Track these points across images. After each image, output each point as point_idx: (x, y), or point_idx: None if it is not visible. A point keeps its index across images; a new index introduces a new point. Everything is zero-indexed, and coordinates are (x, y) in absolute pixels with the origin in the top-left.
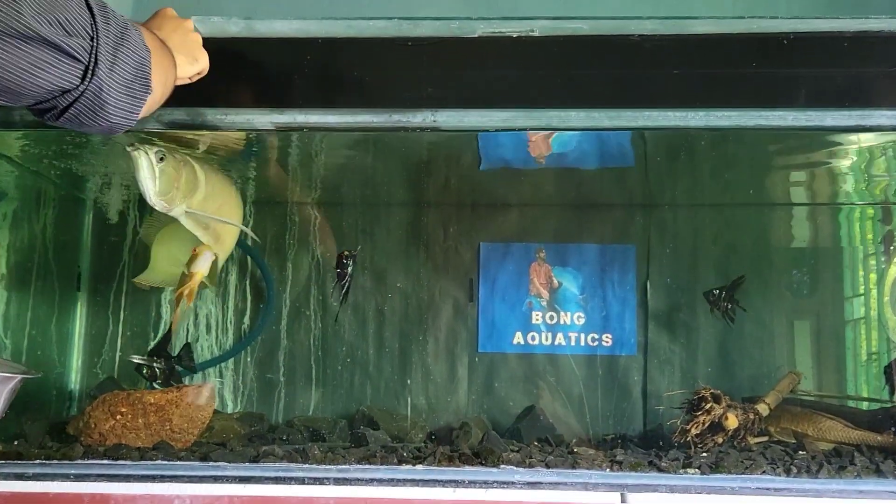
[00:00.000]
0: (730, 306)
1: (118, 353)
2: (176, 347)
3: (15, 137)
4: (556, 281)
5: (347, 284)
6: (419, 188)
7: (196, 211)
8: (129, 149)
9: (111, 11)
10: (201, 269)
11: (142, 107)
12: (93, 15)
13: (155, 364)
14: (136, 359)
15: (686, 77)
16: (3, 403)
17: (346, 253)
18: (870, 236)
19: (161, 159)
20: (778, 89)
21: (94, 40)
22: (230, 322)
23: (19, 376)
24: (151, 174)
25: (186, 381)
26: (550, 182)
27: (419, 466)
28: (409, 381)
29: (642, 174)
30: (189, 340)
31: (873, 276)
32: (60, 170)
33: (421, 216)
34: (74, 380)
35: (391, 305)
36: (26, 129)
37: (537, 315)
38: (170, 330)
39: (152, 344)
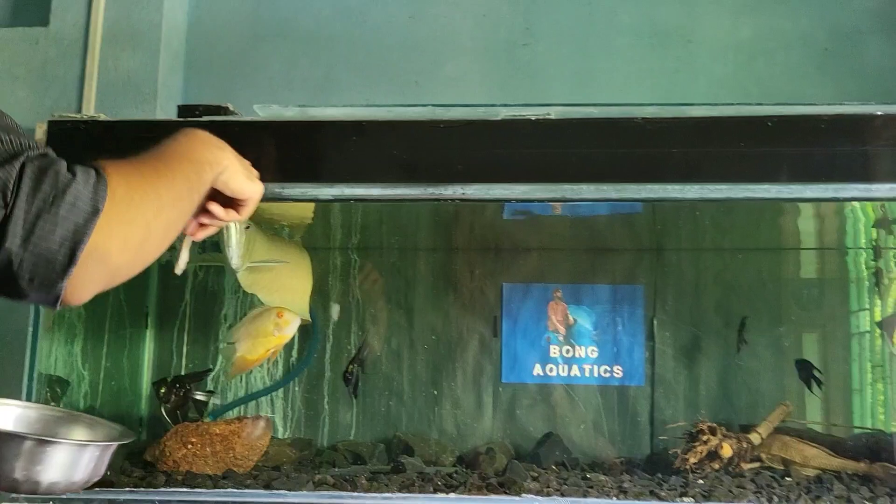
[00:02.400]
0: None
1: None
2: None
3: None
4: (571, 318)
5: (355, 385)
6: (448, 235)
7: (254, 263)
8: None
9: (55, 167)
10: (290, 334)
11: (62, 280)
12: (20, 177)
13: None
14: (199, 395)
15: (683, 155)
16: (105, 466)
17: (350, 368)
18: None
19: (247, 228)
20: (763, 166)
21: (9, 207)
22: (280, 355)
23: (115, 444)
24: (240, 241)
25: (236, 412)
26: (566, 228)
27: (452, 495)
28: (439, 409)
29: (650, 221)
30: (214, 389)
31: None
32: None
33: (450, 260)
34: (144, 407)
35: (423, 340)
36: None
37: (555, 349)
38: (206, 371)
39: (175, 375)
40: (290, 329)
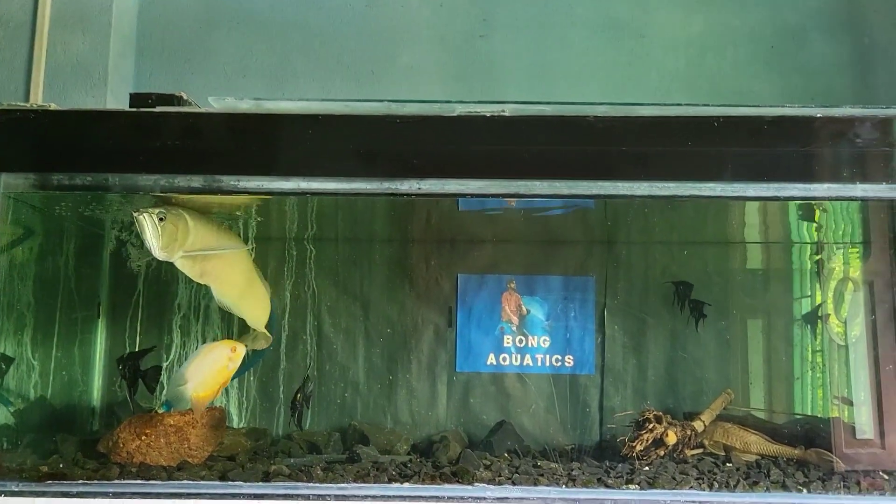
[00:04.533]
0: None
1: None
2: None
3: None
4: (524, 308)
5: (300, 413)
6: (404, 226)
7: (190, 252)
8: (134, 214)
9: None
10: (240, 363)
11: None
12: None
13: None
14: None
15: (632, 153)
16: None
17: (297, 395)
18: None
19: (161, 219)
20: (709, 165)
21: None
22: None
23: None
24: (155, 233)
25: None
26: (521, 221)
27: (406, 484)
28: (394, 398)
29: (602, 215)
30: (162, 364)
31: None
32: (78, 213)
33: (406, 251)
34: (96, 397)
35: (379, 330)
36: (54, 191)
37: (508, 339)
38: (151, 348)
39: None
40: (241, 358)
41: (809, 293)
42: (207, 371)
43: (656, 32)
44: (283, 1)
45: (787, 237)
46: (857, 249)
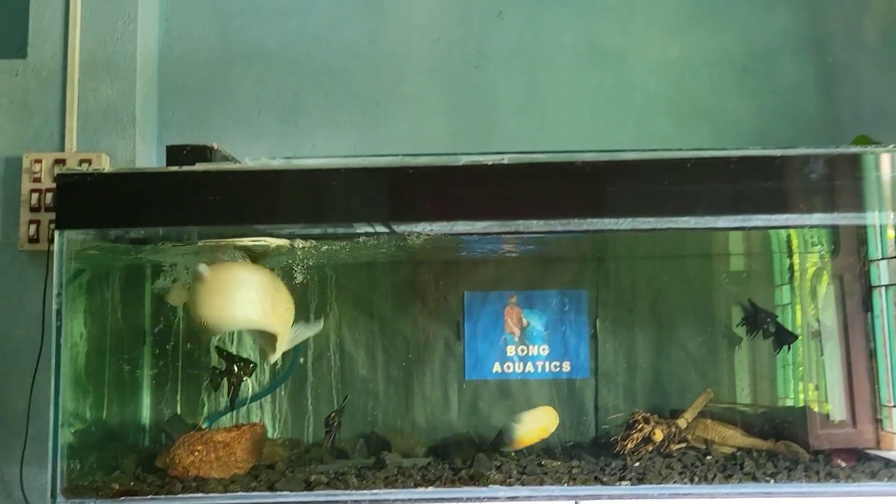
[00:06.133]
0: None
1: (178, 394)
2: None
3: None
4: (525, 321)
5: (333, 434)
6: (413, 250)
7: None
8: None
9: None
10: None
11: None
12: None
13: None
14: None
15: (617, 193)
16: None
17: (333, 415)
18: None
19: None
20: (683, 201)
21: None
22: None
23: None
24: None
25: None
26: (519, 241)
27: (430, 488)
28: (411, 406)
29: (591, 234)
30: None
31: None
32: (119, 256)
33: (416, 272)
34: (146, 416)
35: (395, 345)
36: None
37: (511, 348)
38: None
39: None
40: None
41: (786, 284)
42: (537, 424)
43: (638, 56)
44: (294, 40)
45: (766, 245)
46: (827, 251)
